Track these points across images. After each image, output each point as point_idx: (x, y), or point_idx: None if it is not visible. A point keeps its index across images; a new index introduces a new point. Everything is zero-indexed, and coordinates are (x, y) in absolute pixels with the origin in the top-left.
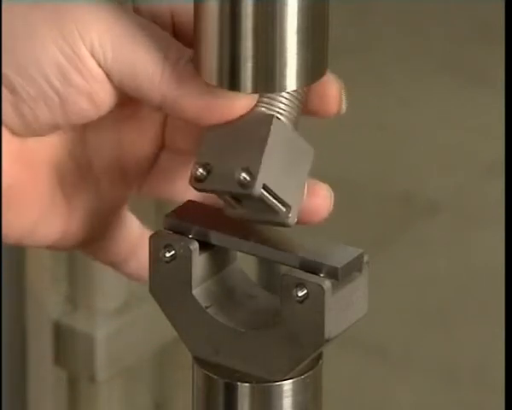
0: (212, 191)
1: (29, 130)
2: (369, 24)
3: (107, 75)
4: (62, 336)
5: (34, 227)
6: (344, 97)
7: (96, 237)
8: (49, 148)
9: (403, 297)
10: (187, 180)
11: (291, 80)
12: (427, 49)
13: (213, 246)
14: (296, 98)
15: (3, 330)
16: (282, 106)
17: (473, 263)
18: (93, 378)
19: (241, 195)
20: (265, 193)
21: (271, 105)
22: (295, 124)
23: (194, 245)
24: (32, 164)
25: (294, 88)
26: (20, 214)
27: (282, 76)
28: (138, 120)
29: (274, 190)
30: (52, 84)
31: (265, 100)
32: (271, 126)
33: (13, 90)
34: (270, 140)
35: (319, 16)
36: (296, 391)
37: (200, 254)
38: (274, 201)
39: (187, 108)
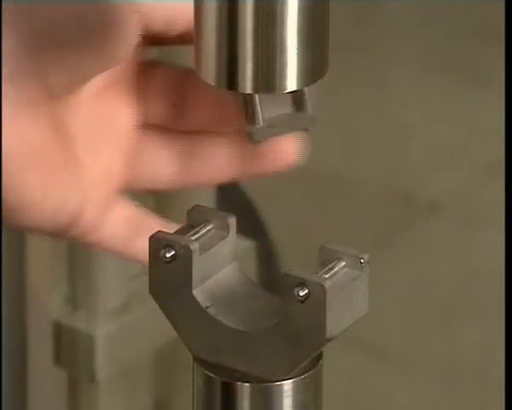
0: None
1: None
2: (370, 24)
3: None
4: (62, 337)
5: (64, 201)
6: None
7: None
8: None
9: (403, 297)
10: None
11: (291, 80)
12: (427, 49)
13: (213, 246)
14: None
15: (3, 330)
16: None
17: (473, 263)
18: (93, 378)
19: None
20: None
21: None
22: None
23: (194, 245)
24: (63, 132)
25: (295, 88)
26: (57, 185)
27: (283, 76)
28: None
29: None
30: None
31: None
32: None
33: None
34: None
35: (319, 16)
36: (296, 391)
37: (200, 254)
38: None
39: None
